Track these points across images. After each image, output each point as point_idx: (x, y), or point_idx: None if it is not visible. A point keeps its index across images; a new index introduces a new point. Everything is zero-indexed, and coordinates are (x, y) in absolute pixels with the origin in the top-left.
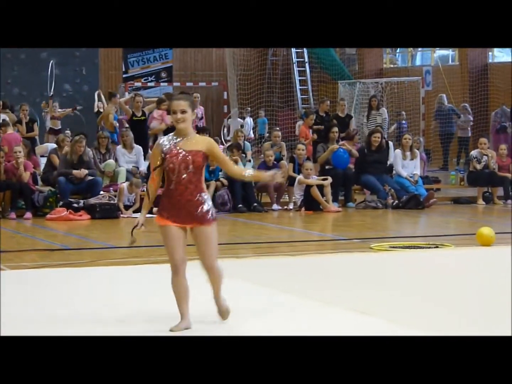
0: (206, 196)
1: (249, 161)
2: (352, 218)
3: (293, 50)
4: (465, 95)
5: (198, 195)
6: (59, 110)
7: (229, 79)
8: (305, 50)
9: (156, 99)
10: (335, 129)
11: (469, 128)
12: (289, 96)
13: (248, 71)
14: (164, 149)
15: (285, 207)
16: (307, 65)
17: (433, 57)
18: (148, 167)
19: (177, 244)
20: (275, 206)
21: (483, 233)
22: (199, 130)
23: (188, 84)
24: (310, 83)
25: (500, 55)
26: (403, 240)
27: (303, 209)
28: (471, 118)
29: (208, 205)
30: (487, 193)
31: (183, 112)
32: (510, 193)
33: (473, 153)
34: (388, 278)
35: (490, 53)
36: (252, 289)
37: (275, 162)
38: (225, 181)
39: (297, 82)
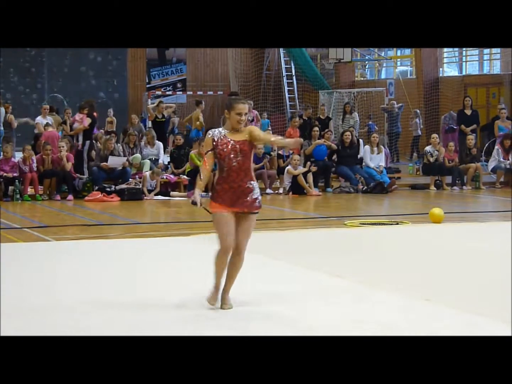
0: (256, 184)
1: None
2: (330, 200)
3: (283, 65)
4: (420, 102)
5: (248, 182)
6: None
7: (231, 89)
8: (292, 65)
9: (174, 105)
10: (316, 128)
11: (418, 129)
12: (279, 102)
13: (247, 82)
14: (215, 138)
15: (276, 191)
16: (294, 77)
17: (395, 71)
18: (176, 157)
19: (230, 230)
20: (268, 191)
21: (435, 212)
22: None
23: (198, 92)
24: (296, 92)
25: (448, 70)
26: (371, 218)
27: (290, 193)
28: (419, 121)
29: (256, 193)
30: (438, 181)
31: (245, 114)
32: (456, 181)
33: (427, 148)
34: (359, 248)
35: (440, 69)
36: (247, 257)
37: (264, 154)
38: None
39: (286, 91)
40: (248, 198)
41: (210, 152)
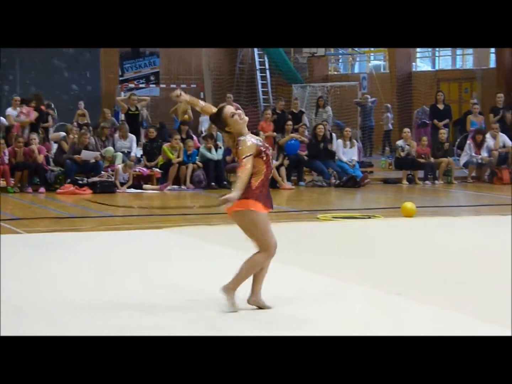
0: None
1: (220, 147)
2: (302, 194)
3: (257, 59)
4: (393, 96)
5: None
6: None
7: (205, 82)
8: (266, 59)
9: (147, 97)
10: (290, 122)
11: (390, 124)
12: (253, 96)
13: (221, 76)
14: (258, 142)
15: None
16: (267, 71)
17: (369, 66)
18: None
19: (271, 230)
20: None
21: (407, 206)
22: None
23: (172, 85)
24: (270, 86)
25: (422, 65)
26: (343, 212)
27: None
28: (390, 116)
29: None
30: (410, 175)
31: (237, 109)
32: (428, 175)
33: (399, 142)
34: (331, 242)
35: (413, 63)
36: (220, 251)
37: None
38: (200, 164)
39: (260, 85)
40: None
41: (250, 156)
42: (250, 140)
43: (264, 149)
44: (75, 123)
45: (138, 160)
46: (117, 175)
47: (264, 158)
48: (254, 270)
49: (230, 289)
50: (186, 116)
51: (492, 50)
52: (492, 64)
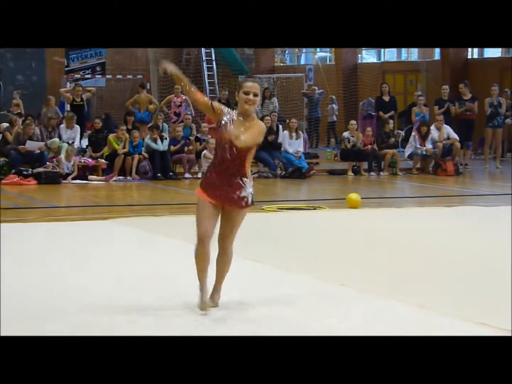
0: (247, 181)
1: (166, 138)
2: None
3: (203, 50)
4: (339, 88)
5: (239, 178)
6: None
7: (151, 73)
8: (212, 50)
9: (93, 88)
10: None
11: (334, 115)
12: (199, 87)
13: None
14: (225, 118)
15: (195, 175)
16: (214, 62)
17: (314, 57)
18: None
19: (208, 218)
20: (187, 175)
21: (352, 198)
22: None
23: (118, 76)
24: (216, 77)
25: (367, 56)
26: (289, 203)
27: None
28: (335, 107)
29: (246, 191)
30: (355, 167)
31: (255, 95)
32: (373, 166)
33: (345, 134)
34: (276, 233)
35: (359, 55)
36: (165, 241)
37: (183, 137)
38: (146, 155)
39: (206, 76)
40: (234, 195)
41: (210, 105)
42: (221, 105)
43: (223, 127)
44: (11, 114)
45: (83, 151)
46: (60, 165)
47: (217, 138)
48: (196, 264)
49: (199, 288)
50: (151, 106)
51: None
52: (437, 56)
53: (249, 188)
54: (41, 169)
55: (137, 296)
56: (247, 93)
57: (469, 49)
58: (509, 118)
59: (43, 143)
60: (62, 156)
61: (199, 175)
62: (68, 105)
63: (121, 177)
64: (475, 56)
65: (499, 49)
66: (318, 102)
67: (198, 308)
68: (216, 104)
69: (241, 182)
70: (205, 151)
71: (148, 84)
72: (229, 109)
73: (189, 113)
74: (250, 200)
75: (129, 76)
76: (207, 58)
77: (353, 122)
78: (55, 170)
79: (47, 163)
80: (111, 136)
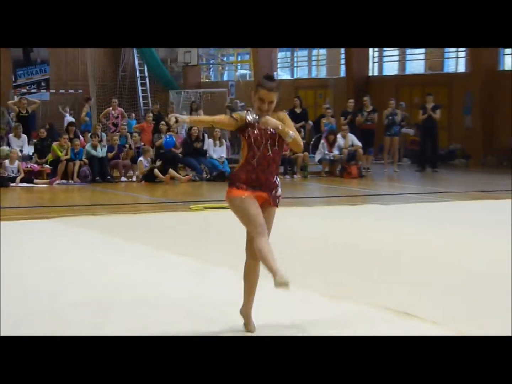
0: (279, 181)
1: (104, 146)
2: (177, 187)
3: (137, 67)
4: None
5: (276, 177)
6: None
7: (90, 88)
8: (145, 67)
9: (38, 101)
10: (163, 122)
11: None
12: (134, 101)
13: (104, 82)
14: (249, 117)
15: (130, 179)
16: (147, 78)
17: (236, 74)
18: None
19: (258, 212)
20: (123, 179)
21: None
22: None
23: (61, 91)
24: (149, 91)
25: (282, 73)
26: (214, 203)
27: (143, 181)
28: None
29: (279, 191)
30: None
31: (271, 102)
32: (288, 170)
33: None
34: (202, 230)
35: (275, 72)
36: (104, 239)
37: (119, 145)
38: (86, 161)
39: (140, 91)
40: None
41: (233, 117)
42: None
43: (253, 128)
44: None
45: (29, 157)
46: (3, 170)
47: (251, 137)
48: (260, 247)
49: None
50: (82, 117)
51: (342, 61)
52: (343, 74)
53: (280, 188)
54: None
55: (76, 288)
56: (262, 101)
57: (370, 67)
58: (404, 127)
59: None
60: (6, 161)
61: (134, 179)
62: (15, 117)
63: (63, 181)
64: (375, 73)
65: (396, 68)
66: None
67: (279, 284)
68: (234, 114)
69: (276, 182)
70: (141, 158)
71: (88, 98)
72: (247, 110)
73: (124, 123)
74: (278, 200)
75: (71, 91)
76: (140, 75)
77: None
78: (2, 175)
79: None
80: (54, 144)
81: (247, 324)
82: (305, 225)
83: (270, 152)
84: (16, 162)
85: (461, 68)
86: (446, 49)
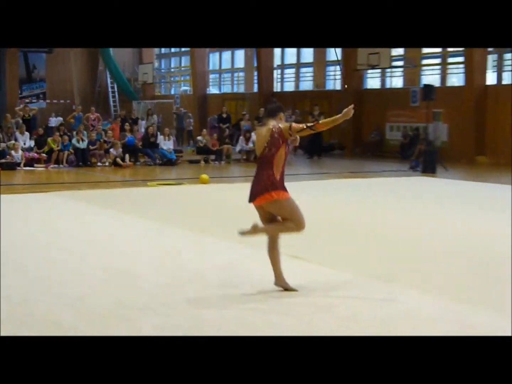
0: None
1: (84, 140)
2: (138, 170)
3: (109, 84)
4: (195, 109)
5: None
6: None
7: (75, 99)
8: (115, 84)
9: (36, 108)
10: (127, 123)
11: (190, 126)
12: (107, 109)
13: (85, 95)
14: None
15: (104, 164)
16: (116, 93)
17: (180, 89)
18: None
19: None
20: (98, 164)
21: (203, 177)
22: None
23: (54, 101)
24: (118, 102)
25: (213, 89)
26: (165, 180)
27: (112, 166)
28: (191, 121)
29: None
30: (206, 158)
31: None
32: (218, 158)
33: (198, 138)
34: (158, 201)
35: (208, 88)
36: (86, 207)
37: (96, 140)
38: (72, 151)
39: (111, 101)
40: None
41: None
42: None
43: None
44: None
45: (31, 149)
46: (12, 157)
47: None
48: (282, 232)
49: (258, 231)
50: (71, 119)
51: (255, 81)
52: (255, 89)
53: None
54: (3, 160)
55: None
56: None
57: (275, 85)
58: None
59: (5, 144)
60: (12, 151)
61: (107, 164)
62: (20, 120)
63: (56, 165)
64: (278, 89)
65: (293, 85)
66: (183, 118)
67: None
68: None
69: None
70: (111, 150)
71: (73, 106)
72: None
73: (100, 125)
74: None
75: (62, 101)
76: (112, 90)
77: (204, 130)
78: (12, 161)
79: (7, 156)
80: (49, 139)
81: (286, 289)
82: (230, 196)
83: (287, 162)
84: (20, 152)
85: (338, 87)
86: (327, 71)
